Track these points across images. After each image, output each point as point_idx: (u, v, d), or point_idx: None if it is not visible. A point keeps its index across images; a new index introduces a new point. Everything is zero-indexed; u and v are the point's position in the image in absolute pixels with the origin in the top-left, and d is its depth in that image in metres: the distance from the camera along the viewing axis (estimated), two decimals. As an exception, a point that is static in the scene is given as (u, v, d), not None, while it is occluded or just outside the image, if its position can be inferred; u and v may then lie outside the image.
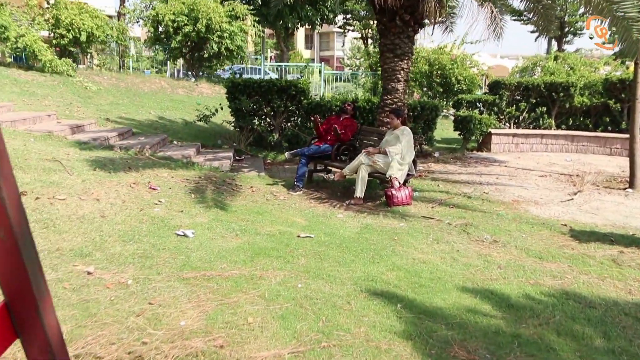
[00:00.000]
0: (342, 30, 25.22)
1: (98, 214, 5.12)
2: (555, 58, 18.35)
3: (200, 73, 17.84)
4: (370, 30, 22.78)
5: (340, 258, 4.55)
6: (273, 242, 4.91)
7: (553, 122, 13.60)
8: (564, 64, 17.91)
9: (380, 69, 19.91)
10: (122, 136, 9.43)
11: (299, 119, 11.25)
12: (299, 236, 5.16)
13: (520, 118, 13.72)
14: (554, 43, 25.27)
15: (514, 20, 22.46)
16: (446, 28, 11.90)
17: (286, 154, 7.82)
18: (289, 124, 11.17)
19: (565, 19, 24.76)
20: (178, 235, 4.87)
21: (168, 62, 20.27)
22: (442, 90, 18.75)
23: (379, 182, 7.64)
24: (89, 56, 18.00)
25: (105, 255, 4.19)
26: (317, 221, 5.97)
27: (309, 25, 19.86)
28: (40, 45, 14.21)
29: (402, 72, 7.51)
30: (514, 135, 12.65)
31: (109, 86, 15.00)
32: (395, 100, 7.61)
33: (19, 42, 13.96)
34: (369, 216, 6.31)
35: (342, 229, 5.61)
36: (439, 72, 18.05)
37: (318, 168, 8.45)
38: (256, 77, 17.59)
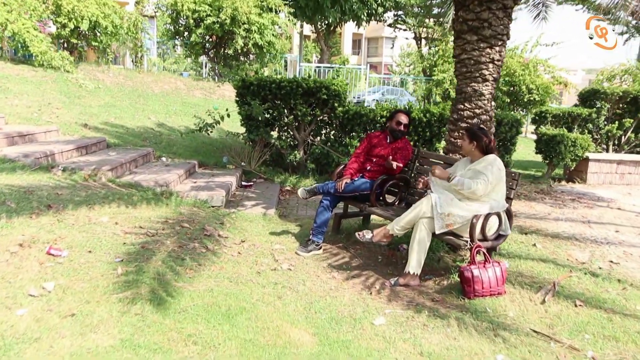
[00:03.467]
0: (392, 31, 22.20)
1: None
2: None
3: (223, 73, 15.28)
4: (425, 30, 19.79)
5: None
6: None
7: (672, 145, 10.32)
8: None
9: (436, 73, 16.98)
10: (84, 150, 6.86)
11: (332, 132, 8.46)
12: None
13: (623, 139, 10.50)
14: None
15: (597, 20, 19.08)
16: (538, 14, 8.94)
17: (299, 191, 5.01)
18: (317, 139, 8.40)
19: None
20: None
21: (205, 63, 17.79)
22: (509, 100, 15.72)
23: (448, 245, 4.76)
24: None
25: None
26: (334, 338, 3.14)
27: (353, 20, 17.07)
28: (32, 34, 11.95)
29: (491, 65, 4.61)
30: (619, 162, 9.46)
31: (112, 85, 12.62)
32: (477, 112, 4.70)
33: (7, 29, 11.74)
34: (432, 322, 3.44)
35: (381, 375, 2.77)
36: (506, 78, 15.01)
37: (350, 211, 5.62)
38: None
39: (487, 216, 4.04)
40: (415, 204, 4.15)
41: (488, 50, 4.57)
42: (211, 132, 8.34)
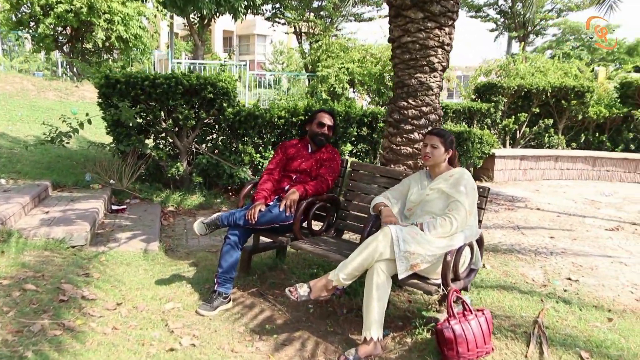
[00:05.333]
0: (270, 25, 20.82)
1: None
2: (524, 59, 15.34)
3: (81, 68, 13.07)
4: (305, 24, 18.82)
5: None
6: None
7: (564, 138, 10.30)
8: (533, 67, 14.90)
9: (320, 69, 16.10)
10: None
11: (221, 137, 7.11)
12: None
13: (518, 134, 10.32)
14: (514, 44, 22.60)
15: (471, 17, 19.52)
16: None
17: (196, 226, 3.66)
18: (203, 147, 7.01)
19: (530, 17, 22.11)
20: None
21: (61, 62, 15.07)
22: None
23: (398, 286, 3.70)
24: None
25: None
26: None
27: (230, 13, 15.61)
28: None
29: (440, 51, 3.64)
30: (522, 157, 9.18)
31: None
32: (425, 110, 3.70)
33: None
34: None
35: None
36: (391, 74, 14.53)
37: (262, 244, 4.36)
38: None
39: (460, 249, 3.04)
40: (366, 241, 3.02)
41: (437, 31, 3.58)
42: (67, 142, 6.60)
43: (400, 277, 2.91)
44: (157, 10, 13.51)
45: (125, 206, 6.08)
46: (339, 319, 3.44)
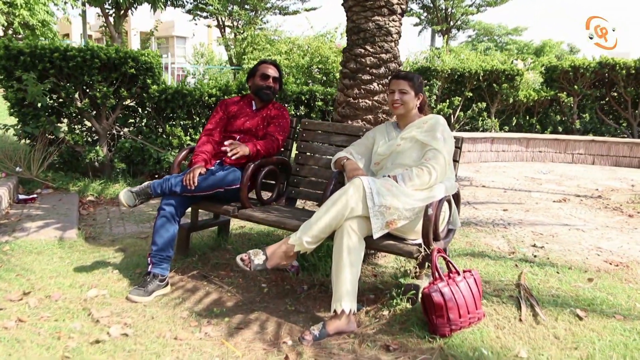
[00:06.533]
0: (191, 18, 19.75)
1: None
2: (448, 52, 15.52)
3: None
4: (228, 17, 18.07)
5: None
6: None
7: (497, 122, 10.31)
8: (457, 59, 15.09)
9: (246, 61, 15.51)
10: None
11: (145, 119, 6.42)
12: None
13: (453, 118, 10.24)
14: (438, 38, 23.04)
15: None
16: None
17: (122, 195, 3.02)
18: (125, 129, 6.28)
19: (451, 11, 22.46)
20: None
21: None
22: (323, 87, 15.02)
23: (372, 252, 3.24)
24: None
25: None
26: None
27: (149, 3, 14.62)
28: None
29: (400, -10, 3.25)
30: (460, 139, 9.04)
31: None
32: (384, 57, 3.29)
33: None
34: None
35: None
36: (320, 66, 14.21)
37: (202, 220, 3.78)
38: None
39: (441, 202, 2.64)
40: (333, 197, 2.55)
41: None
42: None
43: (375, 236, 2.47)
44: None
45: (35, 196, 5.26)
46: (299, 296, 2.94)
